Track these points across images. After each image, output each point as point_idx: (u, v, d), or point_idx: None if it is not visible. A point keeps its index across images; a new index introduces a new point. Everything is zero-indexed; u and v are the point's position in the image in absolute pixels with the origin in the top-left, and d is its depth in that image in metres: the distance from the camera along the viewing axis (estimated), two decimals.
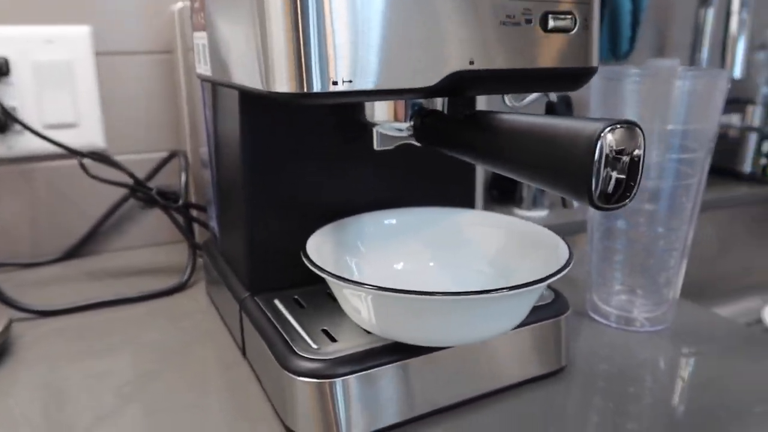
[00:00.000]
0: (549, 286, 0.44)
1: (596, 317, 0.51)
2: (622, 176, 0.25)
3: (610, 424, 0.37)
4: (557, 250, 0.38)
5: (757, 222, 1.04)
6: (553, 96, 0.47)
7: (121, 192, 0.64)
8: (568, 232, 0.69)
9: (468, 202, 0.49)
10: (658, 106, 0.44)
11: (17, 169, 0.63)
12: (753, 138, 1.02)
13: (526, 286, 0.32)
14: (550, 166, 0.26)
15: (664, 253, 0.48)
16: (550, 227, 0.41)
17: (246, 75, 0.33)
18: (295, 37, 0.29)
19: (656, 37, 0.98)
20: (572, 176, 0.25)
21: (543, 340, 0.42)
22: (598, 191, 0.25)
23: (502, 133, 0.29)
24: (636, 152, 0.25)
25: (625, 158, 0.25)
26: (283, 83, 0.29)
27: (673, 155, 0.45)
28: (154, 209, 0.59)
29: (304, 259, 0.35)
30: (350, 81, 0.29)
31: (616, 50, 0.78)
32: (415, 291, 0.31)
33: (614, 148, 0.25)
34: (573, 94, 0.46)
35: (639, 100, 0.44)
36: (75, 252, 0.66)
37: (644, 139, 0.25)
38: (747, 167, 1.03)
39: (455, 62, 0.32)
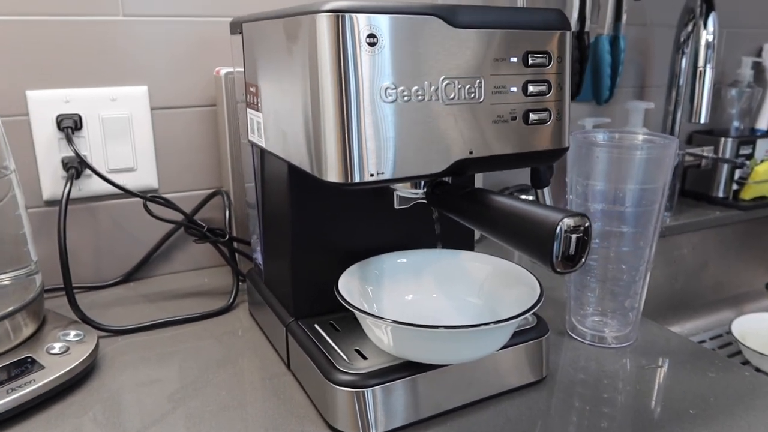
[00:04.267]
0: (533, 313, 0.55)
1: (575, 336, 0.62)
2: (573, 250, 0.36)
3: (583, 420, 0.48)
4: (533, 287, 0.49)
5: (729, 242, 1.15)
6: None
7: (170, 225, 0.75)
8: None
9: (467, 244, 0.60)
10: (621, 169, 0.55)
11: (85, 206, 0.74)
12: (725, 166, 1.13)
13: (505, 321, 0.43)
14: (525, 239, 0.37)
15: (629, 285, 0.59)
16: None
17: (301, 160, 0.44)
18: (342, 142, 0.40)
19: (638, 77, 1.09)
20: (539, 249, 0.36)
21: (528, 356, 0.53)
22: (558, 259, 0.36)
23: (493, 209, 0.41)
24: (584, 233, 0.36)
25: (576, 236, 0.36)
26: (333, 175, 0.40)
27: (631, 208, 0.56)
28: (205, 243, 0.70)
29: (338, 297, 0.46)
30: (382, 173, 0.40)
31: (598, 97, 0.89)
32: (423, 325, 0.42)
33: (567, 230, 0.36)
34: None
35: (607, 165, 0.55)
36: (131, 276, 0.77)
37: (590, 223, 0.36)
38: (720, 193, 1.14)
39: (458, 153, 0.43)
